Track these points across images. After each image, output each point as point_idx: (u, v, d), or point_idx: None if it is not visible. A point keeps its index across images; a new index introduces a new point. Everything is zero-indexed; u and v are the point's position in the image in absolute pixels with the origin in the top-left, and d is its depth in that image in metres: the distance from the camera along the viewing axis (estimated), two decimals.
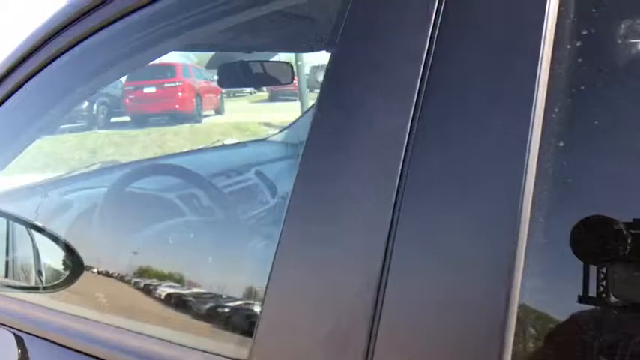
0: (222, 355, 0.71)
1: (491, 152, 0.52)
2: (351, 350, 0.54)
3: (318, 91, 0.65)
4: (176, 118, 10.26)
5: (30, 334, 0.85)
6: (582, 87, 0.54)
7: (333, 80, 0.66)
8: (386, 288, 0.53)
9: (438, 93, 0.55)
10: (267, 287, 0.62)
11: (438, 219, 0.53)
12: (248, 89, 21.18)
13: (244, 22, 0.89)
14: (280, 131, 2.09)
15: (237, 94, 21.00)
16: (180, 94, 10.86)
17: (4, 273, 1.12)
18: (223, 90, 14.75)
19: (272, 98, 18.48)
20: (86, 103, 10.44)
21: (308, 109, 2.19)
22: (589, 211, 0.51)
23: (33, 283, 1.10)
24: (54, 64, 0.91)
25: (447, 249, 0.52)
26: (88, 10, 0.86)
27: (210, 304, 0.93)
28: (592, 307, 0.50)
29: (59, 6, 0.92)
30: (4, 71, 0.95)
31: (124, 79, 11.26)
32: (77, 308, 0.94)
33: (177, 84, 10.89)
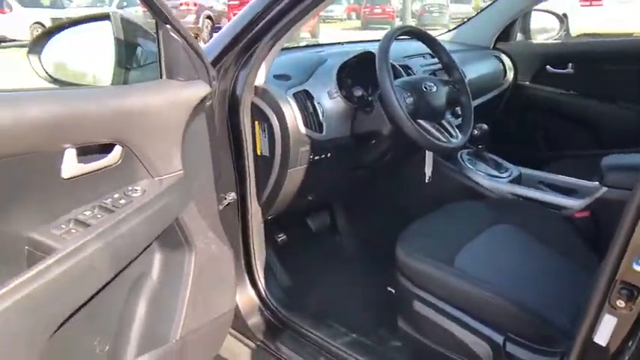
0: None
1: None
2: None
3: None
4: None
5: None
6: None
7: None
8: None
9: None
10: None
11: None
12: (340, 15, 20.76)
13: None
14: (445, 32, 2.35)
15: (327, 20, 20.74)
16: None
17: None
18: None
19: (364, 26, 18.17)
20: (194, 17, 10.88)
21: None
22: None
23: None
24: None
25: None
26: None
27: None
28: None
29: None
30: None
31: None
32: None
33: None
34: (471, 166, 1.68)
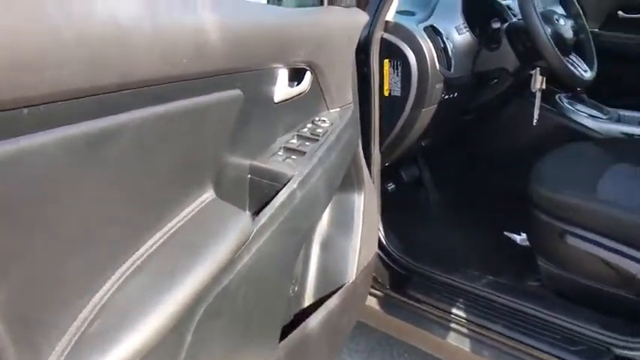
0: None
1: None
2: None
3: None
4: None
5: None
6: None
7: None
8: None
9: None
10: None
11: None
12: None
13: None
14: None
15: None
16: None
17: None
18: None
19: None
20: None
21: None
22: None
23: None
24: None
25: None
26: None
27: None
28: None
29: None
30: None
31: None
32: None
33: None
34: (572, 108, 1.65)
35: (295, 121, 0.84)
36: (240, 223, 0.58)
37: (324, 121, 0.88)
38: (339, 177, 0.89)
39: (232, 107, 0.63)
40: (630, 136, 1.56)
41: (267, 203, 0.69)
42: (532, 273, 1.32)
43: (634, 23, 2.09)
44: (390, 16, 1.23)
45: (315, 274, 0.97)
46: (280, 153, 0.77)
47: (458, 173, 1.79)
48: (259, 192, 0.72)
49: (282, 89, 0.77)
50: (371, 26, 1.17)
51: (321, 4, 0.97)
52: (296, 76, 0.83)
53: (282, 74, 0.77)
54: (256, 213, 0.73)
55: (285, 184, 0.71)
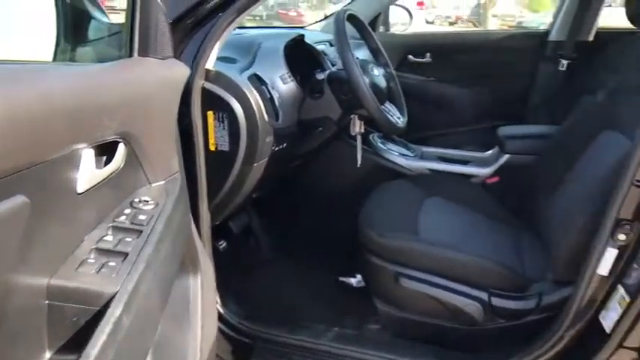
0: None
1: None
2: None
3: None
4: None
5: None
6: None
7: None
8: None
9: None
10: None
11: None
12: None
13: None
14: (316, 22, 2.27)
15: None
16: None
17: None
18: None
19: None
20: None
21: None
22: None
23: None
24: None
25: None
26: None
27: None
28: None
29: None
30: None
31: None
32: None
33: None
34: (385, 148, 1.76)
35: (108, 209, 0.66)
36: None
37: (147, 202, 0.71)
38: (176, 272, 0.73)
39: (14, 221, 0.43)
40: (434, 171, 1.74)
41: (78, 342, 0.49)
42: (372, 315, 1.34)
43: (421, 66, 2.38)
44: (211, 63, 1.11)
45: None
46: (92, 259, 0.58)
47: (288, 219, 1.75)
48: (64, 325, 0.52)
49: (87, 174, 0.59)
50: (190, 74, 1.04)
51: (130, 55, 0.80)
52: (106, 149, 0.65)
53: (87, 154, 0.58)
54: (61, 351, 0.53)
55: (104, 306, 0.53)
